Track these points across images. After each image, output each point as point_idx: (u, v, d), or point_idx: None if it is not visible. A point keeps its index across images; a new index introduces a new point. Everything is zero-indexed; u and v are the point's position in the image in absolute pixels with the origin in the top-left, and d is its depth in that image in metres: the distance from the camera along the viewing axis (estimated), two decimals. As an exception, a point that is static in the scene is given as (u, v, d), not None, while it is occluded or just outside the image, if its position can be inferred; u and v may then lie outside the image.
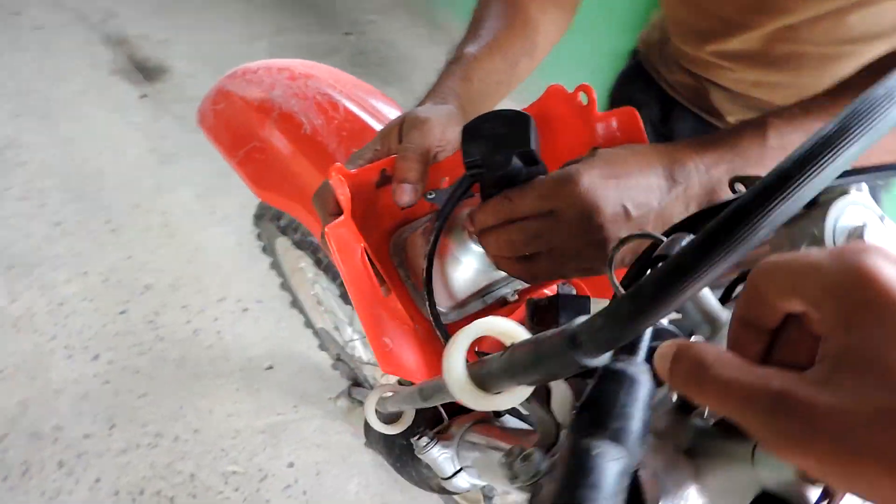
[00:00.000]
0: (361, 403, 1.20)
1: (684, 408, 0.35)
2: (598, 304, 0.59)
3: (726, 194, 0.47)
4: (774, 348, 0.32)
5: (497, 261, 0.51)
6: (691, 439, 0.35)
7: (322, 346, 1.64)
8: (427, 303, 0.50)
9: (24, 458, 1.43)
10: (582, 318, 0.23)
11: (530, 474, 0.34)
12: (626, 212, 0.46)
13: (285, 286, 1.48)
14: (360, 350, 1.34)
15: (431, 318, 0.50)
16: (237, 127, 0.79)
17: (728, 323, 0.41)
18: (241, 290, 1.84)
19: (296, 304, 1.53)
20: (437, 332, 0.50)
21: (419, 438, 0.56)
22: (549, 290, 0.65)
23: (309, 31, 2.85)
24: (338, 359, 1.26)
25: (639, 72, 1.00)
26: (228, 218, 2.02)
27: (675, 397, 0.35)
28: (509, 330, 0.32)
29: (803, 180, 0.22)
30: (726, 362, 0.26)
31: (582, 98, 0.58)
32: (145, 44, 2.66)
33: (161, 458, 1.49)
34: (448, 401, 0.38)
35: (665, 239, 0.37)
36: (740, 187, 0.47)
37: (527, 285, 0.60)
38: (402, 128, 0.56)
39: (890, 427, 0.21)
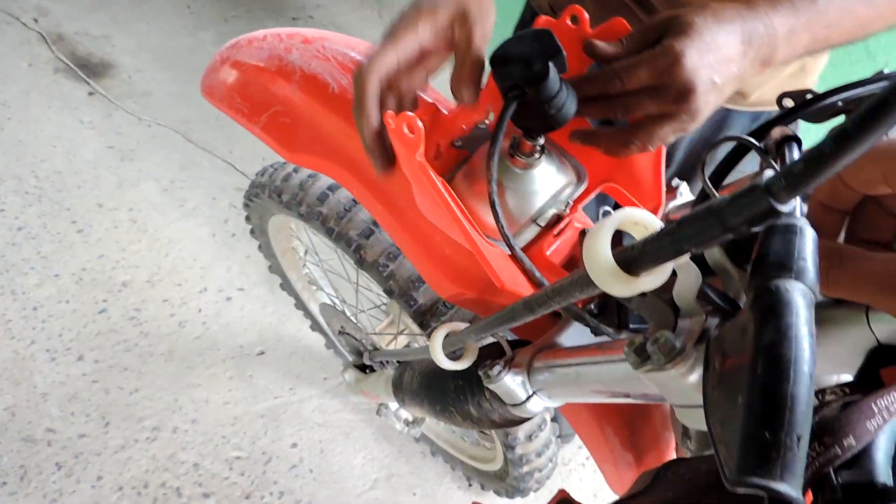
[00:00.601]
0: (373, 371, 1.21)
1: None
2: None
3: (784, 51, 0.53)
4: (855, 227, 0.36)
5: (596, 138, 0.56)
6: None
7: (313, 327, 1.64)
8: (498, 227, 0.53)
9: (19, 462, 1.39)
10: (769, 172, 0.27)
11: (667, 352, 0.37)
12: (715, 83, 0.50)
13: (274, 269, 1.48)
14: (364, 320, 1.36)
15: (504, 241, 0.53)
16: (255, 93, 0.79)
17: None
18: (222, 280, 1.82)
19: (286, 286, 1.52)
20: (514, 255, 0.53)
21: (491, 368, 0.58)
22: (580, 222, 0.69)
23: (256, 18, 2.80)
24: (341, 332, 1.27)
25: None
26: (198, 209, 1.98)
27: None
28: (645, 219, 0.35)
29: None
30: (855, 255, 0.30)
31: (572, 21, 0.59)
32: (85, 40, 2.56)
33: (162, 450, 1.47)
34: (569, 302, 0.40)
35: (755, 141, 0.40)
36: (788, 102, 0.51)
37: (577, 195, 0.63)
38: (454, 25, 0.55)
39: None
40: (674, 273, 0.40)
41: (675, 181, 0.73)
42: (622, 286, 0.34)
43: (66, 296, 1.70)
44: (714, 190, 0.41)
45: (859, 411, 0.30)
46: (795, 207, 0.30)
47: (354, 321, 1.32)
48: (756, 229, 0.30)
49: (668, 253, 0.32)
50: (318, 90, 0.73)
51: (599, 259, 0.34)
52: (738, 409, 0.25)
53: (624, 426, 0.75)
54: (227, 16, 2.76)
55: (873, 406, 0.31)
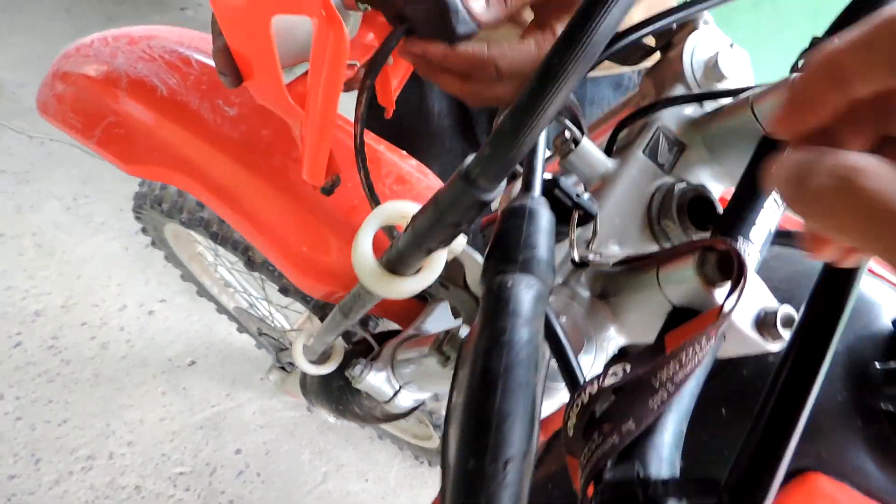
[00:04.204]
0: (291, 368, 1.18)
1: (583, 263, 0.35)
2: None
3: None
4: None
5: None
6: (602, 284, 0.36)
7: (241, 329, 1.59)
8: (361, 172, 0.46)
9: (-53, 518, 1.33)
10: (470, 157, 0.24)
11: (458, 349, 0.35)
12: None
13: (187, 277, 1.42)
14: (281, 318, 1.32)
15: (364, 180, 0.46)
16: (86, 106, 0.73)
17: (615, 172, 0.43)
18: (141, 294, 1.75)
19: (202, 292, 1.47)
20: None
21: (353, 368, 0.56)
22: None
23: (141, 13, 2.66)
24: (260, 333, 1.23)
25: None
26: (107, 224, 1.90)
27: (574, 254, 0.35)
28: (406, 209, 0.32)
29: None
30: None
31: None
32: (-39, 60, 2.40)
33: (99, 478, 1.42)
34: (370, 305, 0.38)
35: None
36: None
37: None
38: None
39: None
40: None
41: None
42: (391, 286, 0.31)
43: (-25, 335, 1.62)
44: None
45: (639, 390, 0.28)
46: (535, 186, 0.28)
47: (271, 321, 1.28)
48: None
49: (421, 251, 0.29)
50: (147, 95, 0.68)
51: (364, 265, 0.31)
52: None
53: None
54: (110, 13, 2.61)
55: (653, 381, 0.28)
